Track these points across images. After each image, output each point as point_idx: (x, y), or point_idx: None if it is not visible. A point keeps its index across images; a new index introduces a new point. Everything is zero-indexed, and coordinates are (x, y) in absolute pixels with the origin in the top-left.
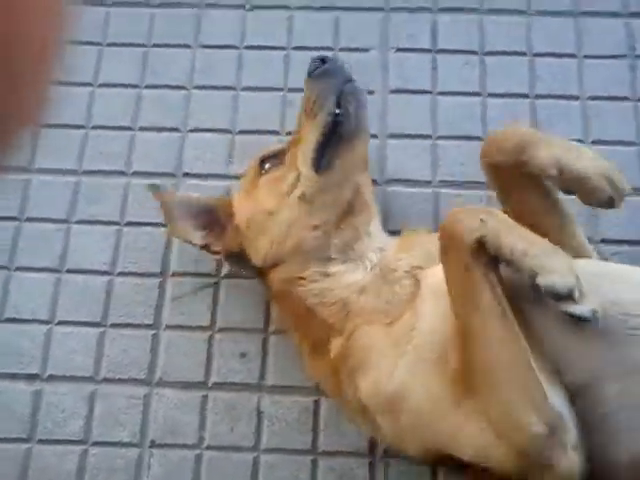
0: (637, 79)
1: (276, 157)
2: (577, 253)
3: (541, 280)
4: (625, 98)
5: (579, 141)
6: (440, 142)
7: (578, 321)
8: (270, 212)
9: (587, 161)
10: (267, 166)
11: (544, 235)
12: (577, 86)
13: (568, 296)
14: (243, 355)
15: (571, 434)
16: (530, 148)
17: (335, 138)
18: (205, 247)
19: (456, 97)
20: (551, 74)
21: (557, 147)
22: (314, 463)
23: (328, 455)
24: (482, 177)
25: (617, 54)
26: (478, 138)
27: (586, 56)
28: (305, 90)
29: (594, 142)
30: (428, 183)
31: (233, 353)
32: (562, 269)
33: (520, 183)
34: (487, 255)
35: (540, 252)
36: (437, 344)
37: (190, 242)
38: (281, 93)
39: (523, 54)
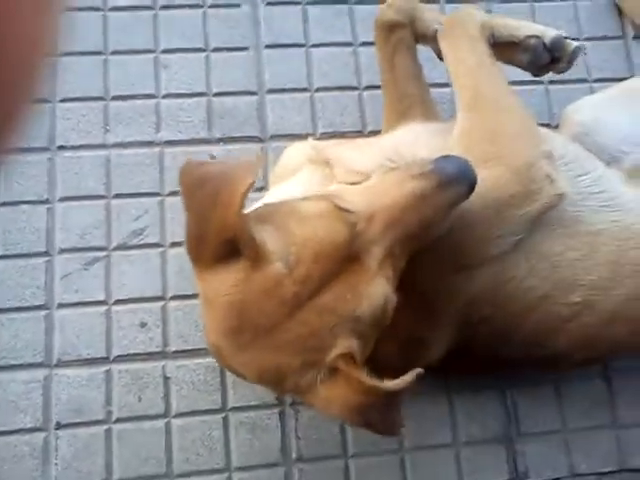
0: None
1: None
2: (434, 116)
3: (547, 38)
4: None
5: None
6: (318, 94)
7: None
8: None
9: None
10: None
11: (412, 98)
12: None
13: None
14: (143, 325)
15: (557, 172)
16: (419, 9)
17: None
18: None
19: (329, 48)
20: None
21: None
22: (225, 420)
23: (238, 410)
24: (360, 125)
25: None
26: (354, 88)
27: (447, 1)
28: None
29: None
30: (310, 136)
31: (132, 324)
32: (543, 27)
33: (402, 45)
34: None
35: (524, 23)
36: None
37: None
38: (153, 55)
39: None
